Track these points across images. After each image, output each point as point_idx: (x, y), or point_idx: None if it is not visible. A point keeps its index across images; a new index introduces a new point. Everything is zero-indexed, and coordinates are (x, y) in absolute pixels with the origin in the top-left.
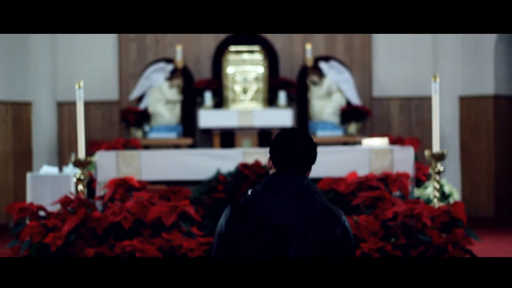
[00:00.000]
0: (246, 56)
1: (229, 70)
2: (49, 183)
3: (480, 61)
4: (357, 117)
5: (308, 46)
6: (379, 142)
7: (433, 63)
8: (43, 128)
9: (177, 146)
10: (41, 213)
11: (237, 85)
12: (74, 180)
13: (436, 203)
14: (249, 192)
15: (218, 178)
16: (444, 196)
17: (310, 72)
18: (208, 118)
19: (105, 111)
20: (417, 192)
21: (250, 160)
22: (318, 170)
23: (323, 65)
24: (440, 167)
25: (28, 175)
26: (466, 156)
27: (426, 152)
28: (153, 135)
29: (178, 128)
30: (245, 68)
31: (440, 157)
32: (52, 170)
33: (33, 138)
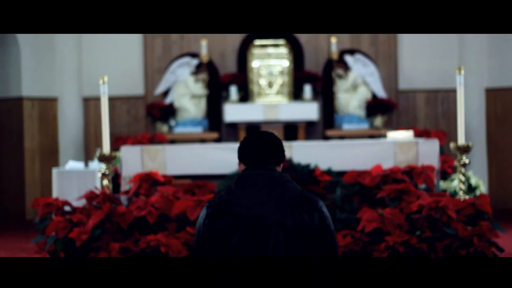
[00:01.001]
0: (271, 50)
1: (254, 64)
2: (75, 178)
3: (506, 52)
4: (383, 110)
5: (333, 40)
6: (404, 135)
7: (459, 55)
8: (69, 124)
9: (203, 141)
10: (67, 208)
11: (262, 79)
12: (99, 175)
13: (462, 196)
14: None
15: None
16: (470, 188)
17: (336, 65)
18: (234, 112)
19: (131, 106)
20: (443, 184)
21: None
22: (343, 163)
23: (348, 58)
24: (465, 159)
25: (54, 171)
26: (493, 149)
27: (452, 145)
28: (179, 130)
29: (203, 123)
30: (270, 62)
31: (465, 150)
32: (78, 165)
33: (59, 133)
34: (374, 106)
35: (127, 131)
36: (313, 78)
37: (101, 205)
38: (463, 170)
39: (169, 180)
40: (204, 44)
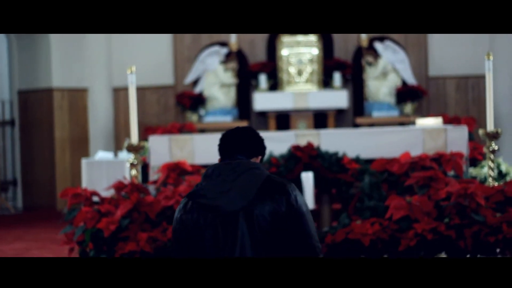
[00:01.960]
0: (300, 37)
1: (284, 52)
2: (104, 168)
3: None
4: (413, 97)
5: None
6: (433, 122)
7: (489, 41)
8: (99, 114)
9: None
10: (95, 198)
11: (291, 67)
12: (128, 165)
13: (491, 182)
14: None
15: (271, 160)
16: (501, 175)
17: (365, 52)
18: (263, 100)
19: (160, 96)
20: (473, 171)
21: (302, 142)
22: (371, 151)
23: (378, 46)
24: (494, 146)
25: (83, 161)
26: None
27: (480, 131)
28: (209, 119)
29: (233, 111)
30: (300, 50)
31: (494, 136)
32: (107, 155)
33: (89, 124)
34: (404, 93)
35: (157, 120)
36: (343, 66)
37: (129, 195)
38: (492, 156)
39: (197, 169)
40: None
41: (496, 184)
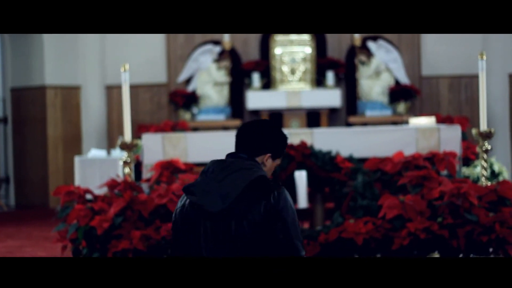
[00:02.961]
0: (293, 36)
1: (277, 51)
2: (97, 167)
3: None
4: (406, 97)
5: None
6: (426, 121)
7: (483, 40)
8: (92, 112)
9: (225, 128)
10: (88, 196)
11: (285, 66)
12: (121, 163)
13: (484, 182)
14: None
15: None
16: (493, 175)
17: (358, 51)
18: (256, 99)
19: (153, 94)
20: (466, 171)
21: (295, 140)
22: (364, 150)
23: (371, 45)
24: (487, 145)
25: (76, 159)
26: None
27: (474, 131)
28: (202, 117)
29: (226, 110)
30: (293, 48)
31: (487, 136)
32: (100, 153)
33: (82, 122)
34: (397, 93)
35: (150, 119)
36: (336, 65)
37: (122, 193)
38: (485, 156)
39: (191, 167)
40: None
41: (489, 183)
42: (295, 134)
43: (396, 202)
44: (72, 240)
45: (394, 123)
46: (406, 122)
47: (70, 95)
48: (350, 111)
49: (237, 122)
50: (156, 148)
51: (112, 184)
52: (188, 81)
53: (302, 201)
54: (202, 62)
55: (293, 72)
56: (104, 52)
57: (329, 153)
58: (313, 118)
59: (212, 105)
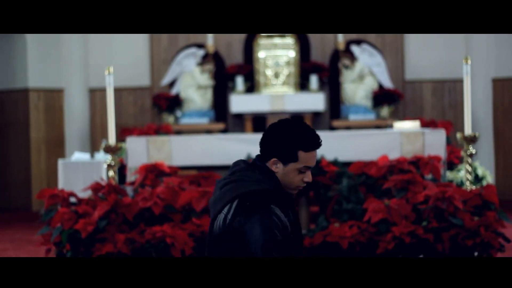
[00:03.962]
0: (277, 40)
1: (261, 54)
2: (81, 170)
3: None
4: (389, 101)
5: None
6: (411, 125)
7: (466, 45)
8: (75, 115)
9: (209, 131)
10: (72, 199)
11: (268, 70)
12: (105, 166)
13: (469, 186)
14: None
15: None
16: (477, 179)
17: (342, 55)
18: (240, 103)
19: (137, 97)
20: (450, 175)
21: None
22: (349, 154)
23: (355, 49)
24: (472, 149)
25: (60, 162)
26: (500, 139)
27: (458, 135)
28: (185, 121)
29: (210, 113)
30: (277, 52)
31: (472, 140)
32: (84, 156)
33: (65, 125)
34: (381, 97)
35: (133, 122)
36: (320, 69)
37: (106, 196)
38: (469, 160)
39: (175, 171)
40: (210, 35)
41: (473, 187)
42: None
43: (381, 206)
44: (56, 243)
45: (378, 127)
46: (390, 126)
47: (53, 98)
48: (333, 115)
49: (220, 126)
50: (140, 151)
51: (96, 187)
52: (171, 84)
53: None
54: (186, 65)
55: (276, 75)
56: (88, 55)
57: None
58: None
59: (196, 109)
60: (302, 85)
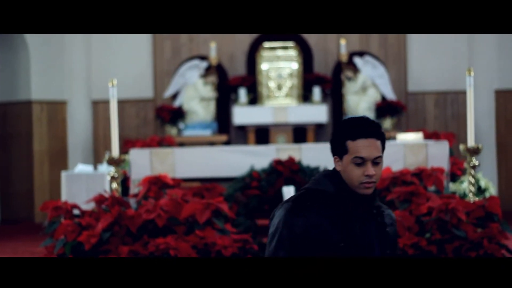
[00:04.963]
0: (280, 52)
1: (263, 66)
2: (84, 182)
3: None
4: (392, 112)
5: (343, 42)
6: (414, 137)
7: (469, 56)
8: (78, 127)
9: (212, 143)
10: (75, 211)
11: (271, 82)
12: (108, 178)
13: (472, 198)
14: None
15: (252, 175)
16: (480, 190)
17: (345, 67)
18: (243, 114)
19: (140, 109)
20: (452, 186)
21: (283, 156)
22: None
23: (357, 61)
24: (475, 161)
25: (63, 174)
26: (503, 150)
27: (461, 147)
28: (188, 133)
29: (213, 125)
30: (280, 64)
31: (475, 152)
32: (87, 168)
33: (68, 137)
34: (383, 108)
35: (136, 134)
36: (322, 80)
37: (110, 209)
38: (472, 172)
39: (178, 183)
40: (213, 46)
41: (476, 199)
42: (283, 150)
43: None
44: (59, 255)
45: None
46: (393, 138)
47: (56, 110)
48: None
49: (223, 138)
50: (143, 163)
51: (100, 199)
52: (174, 96)
53: None
54: (189, 77)
55: (279, 87)
56: (91, 67)
57: (317, 168)
58: (300, 133)
59: (199, 121)
60: (305, 97)
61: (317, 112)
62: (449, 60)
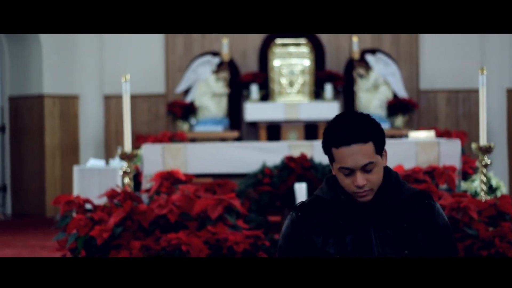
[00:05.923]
0: (292, 49)
1: (276, 63)
2: (96, 176)
3: None
4: (404, 110)
5: (355, 39)
6: (426, 135)
7: (481, 55)
8: (90, 122)
9: (223, 139)
10: (88, 206)
11: (283, 78)
12: (121, 173)
13: (483, 196)
14: None
15: (264, 171)
16: (491, 189)
17: (357, 64)
18: (254, 111)
19: (151, 105)
20: (464, 185)
21: (295, 153)
22: None
23: (369, 58)
24: (487, 160)
25: (75, 168)
26: None
27: (473, 145)
28: (200, 128)
29: (224, 121)
30: (292, 61)
31: (487, 150)
32: (99, 163)
33: (80, 131)
34: (395, 106)
35: (148, 129)
36: (334, 78)
37: (122, 203)
38: (484, 170)
39: (190, 178)
40: (225, 42)
41: (487, 198)
42: (295, 146)
43: None
44: (72, 249)
45: (392, 136)
46: (405, 136)
47: (68, 105)
48: None
49: (235, 134)
50: (156, 158)
51: (112, 194)
52: (186, 92)
53: None
54: (201, 73)
55: (291, 84)
56: (103, 62)
57: (329, 165)
58: (311, 130)
59: (210, 116)
60: (317, 93)
61: (328, 109)
62: (461, 58)
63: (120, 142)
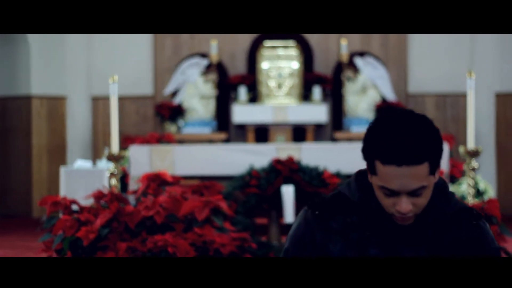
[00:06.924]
0: (281, 51)
1: (264, 65)
2: (83, 177)
3: None
4: None
5: (344, 42)
6: None
7: (470, 59)
8: (78, 123)
9: (211, 141)
10: (74, 207)
11: (271, 81)
12: (108, 174)
13: (470, 200)
14: None
15: (251, 173)
16: (479, 193)
17: (345, 67)
18: (243, 113)
19: (139, 106)
20: (451, 188)
21: (283, 155)
22: (352, 166)
23: (358, 61)
24: (474, 163)
25: (62, 169)
26: (502, 153)
27: (461, 149)
28: (187, 130)
29: (212, 123)
30: (280, 63)
31: (474, 154)
32: (86, 164)
33: (67, 132)
34: (383, 109)
35: (136, 130)
36: (323, 80)
37: (109, 205)
38: (472, 174)
39: (178, 180)
40: (214, 44)
41: (475, 201)
42: (283, 149)
43: None
44: (58, 250)
45: None
46: None
47: (56, 106)
48: (336, 126)
49: (222, 136)
50: (143, 160)
51: (99, 195)
52: (174, 93)
53: (289, 216)
54: (189, 75)
55: (279, 86)
56: (91, 63)
57: (316, 168)
58: (299, 133)
59: (198, 118)
60: (305, 96)
61: (317, 112)
62: (450, 62)
63: (108, 143)
